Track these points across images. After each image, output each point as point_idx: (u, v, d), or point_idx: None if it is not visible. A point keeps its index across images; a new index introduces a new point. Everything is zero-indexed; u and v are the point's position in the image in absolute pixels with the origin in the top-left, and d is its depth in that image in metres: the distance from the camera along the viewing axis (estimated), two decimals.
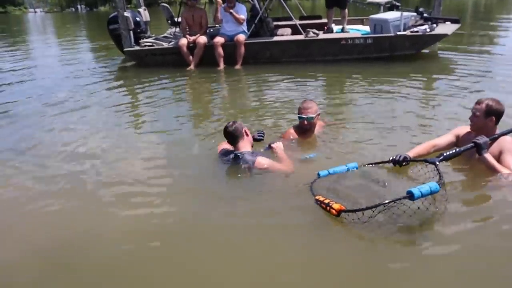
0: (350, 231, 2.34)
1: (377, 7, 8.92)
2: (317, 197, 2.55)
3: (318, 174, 2.85)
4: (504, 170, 2.70)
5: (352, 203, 2.44)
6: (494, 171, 2.72)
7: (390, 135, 3.75)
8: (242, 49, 7.33)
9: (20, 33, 22.06)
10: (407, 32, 7.04)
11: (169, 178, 3.23)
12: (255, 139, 3.45)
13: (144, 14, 8.61)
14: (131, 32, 7.76)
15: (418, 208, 2.30)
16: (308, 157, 3.21)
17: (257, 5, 8.09)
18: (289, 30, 8.03)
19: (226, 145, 3.30)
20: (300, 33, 7.50)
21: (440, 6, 8.13)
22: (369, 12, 9.07)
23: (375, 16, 7.51)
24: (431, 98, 5.14)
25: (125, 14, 7.62)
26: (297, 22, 8.03)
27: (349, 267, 2.14)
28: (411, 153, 2.93)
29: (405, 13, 7.32)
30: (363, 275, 2.08)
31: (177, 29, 8.60)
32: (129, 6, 8.06)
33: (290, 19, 8.26)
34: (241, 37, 7.33)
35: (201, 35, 7.52)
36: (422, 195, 2.23)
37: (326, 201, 2.45)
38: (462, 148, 2.80)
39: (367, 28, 7.79)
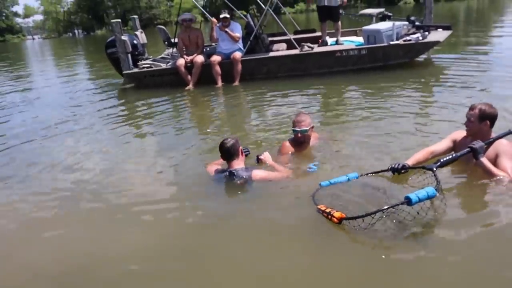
0: (353, 238, 2.40)
1: (369, 18, 9.08)
2: (319, 207, 2.62)
3: (320, 185, 2.92)
4: (501, 173, 2.75)
5: (354, 211, 2.49)
6: (490, 175, 2.77)
7: (387, 144, 3.80)
8: (239, 66, 7.45)
9: (19, 60, 22.34)
10: (400, 41, 7.15)
11: (170, 197, 3.27)
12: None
13: (141, 36, 8.77)
14: (129, 55, 7.91)
15: (418, 213, 2.36)
16: (312, 167, 3.25)
17: (252, 22, 8.24)
18: (284, 45, 8.16)
19: (215, 166, 3.35)
20: (295, 48, 7.62)
21: (431, 13, 8.28)
22: (361, 23, 9.23)
23: (368, 27, 7.64)
24: (426, 105, 5.21)
25: (123, 37, 7.78)
26: (292, 36, 8.17)
27: (352, 273, 2.18)
28: (410, 161, 2.99)
29: (397, 23, 7.45)
30: (366, 280, 2.12)
31: (174, 50, 8.74)
32: (125, 28, 8.21)
33: (284, 34, 8.40)
34: (238, 55, 7.46)
35: (198, 54, 7.65)
36: (420, 200, 2.29)
37: (328, 210, 2.52)
38: (458, 154, 2.86)
39: (360, 39, 7.91)
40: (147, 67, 7.95)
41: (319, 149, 3.71)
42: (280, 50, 8.06)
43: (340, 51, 7.39)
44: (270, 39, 8.43)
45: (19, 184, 3.81)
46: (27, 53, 29.36)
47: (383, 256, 2.26)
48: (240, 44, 7.66)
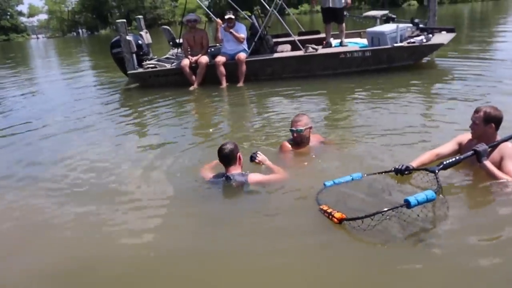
0: (354, 239, 2.42)
1: (373, 20, 9.10)
2: (321, 207, 2.66)
3: (324, 185, 2.95)
4: (504, 177, 2.76)
5: (357, 211, 2.52)
6: (494, 178, 2.79)
7: (391, 145, 3.82)
8: (244, 67, 7.49)
9: (24, 59, 22.47)
10: (404, 44, 7.17)
11: (171, 199, 3.26)
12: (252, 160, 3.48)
13: (146, 37, 8.82)
14: (134, 55, 7.95)
15: (418, 215, 2.39)
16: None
17: (256, 23, 8.28)
18: (288, 47, 8.19)
19: (209, 170, 3.38)
20: (300, 49, 7.65)
21: (435, 16, 8.30)
22: (366, 25, 9.25)
23: (372, 29, 7.66)
24: (431, 107, 5.23)
25: (128, 38, 7.82)
26: (296, 38, 8.19)
27: (352, 274, 2.21)
28: (415, 163, 3.01)
29: (401, 25, 7.47)
30: (365, 280, 2.15)
31: (179, 50, 8.79)
32: (129, 28, 8.26)
33: (289, 35, 8.44)
34: (242, 56, 7.49)
35: (202, 55, 7.69)
36: (419, 203, 2.33)
37: (329, 211, 2.56)
38: (462, 156, 2.88)
39: (365, 41, 7.94)
40: (152, 67, 8.00)
41: (318, 149, 3.74)
42: (284, 51, 8.09)
43: (344, 52, 7.42)
44: (274, 40, 8.45)
45: (19, 183, 3.84)
46: (31, 52, 29.50)
47: (383, 257, 2.29)
48: (244, 45, 7.70)
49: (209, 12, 8.64)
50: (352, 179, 2.99)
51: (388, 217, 2.38)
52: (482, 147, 2.83)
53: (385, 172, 3.03)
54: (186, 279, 2.31)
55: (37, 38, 64.15)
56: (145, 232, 2.82)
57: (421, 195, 2.33)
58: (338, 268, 2.28)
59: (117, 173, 3.85)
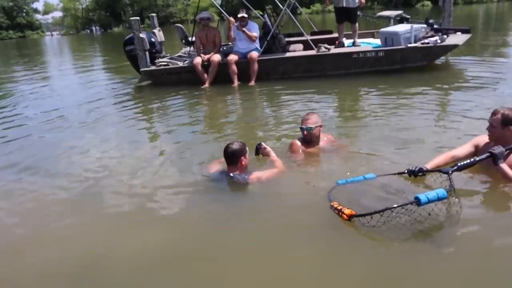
0: (365, 237, 2.42)
1: (387, 20, 9.01)
2: (332, 203, 2.66)
3: (337, 183, 2.96)
4: None
5: (368, 210, 2.51)
6: (510, 181, 2.75)
7: (405, 147, 3.79)
8: (256, 66, 7.48)
9: (39, 55, 22.76)
10: (418, 44, 7.09)
11: (179, 197, 3.26)
12: (257, 153, 3.51)
13: (159, 34, 8.86)
14: (147, 52, 7.99)
15: (429, 214, 2.37)
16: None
17: (269, 22, 8.26)
18: (301, 46, 8.16)
19: (217, 165, 3.39)
20: (312, 48, 7.61)
21: (450, 17, 8.19)
22: (379, 25, 9.17)
23: (385, 29, 7.59)
24: (446, 108, 5.17)
25: (141, 35, 7.86)
26: (309, 37, 8.16)
27: (361, 270, 2.21)
28: (430, 164, 2.97)
29: (415, 25, 7.39)
30: (374, 278, 2.14)
31: (191, 48, 8.81)
32: (142, 26, 8.31)
33: (301, 34, 8.40)
34: (254, 54, 7.49)
35: (215, 53, 7.71)
36: (429, 201, 2.30)
37: (339, 207, 2.57)
38: (477, 158, 2.83)
39: (378, 41, 7.87)
40: (164, 65, 8.04)
41: (329, 148, 3.73)
42: (296, 50, 8.06)
43: (357, 52, 7.37)
44: (286, 39, 8.42)
45: (29, 177, 3.87)
46: (46, 49, 29.89)
47: (392, 255, 2.29)
48: (257, 44, 7.69)
49: (222, 10, 8.64)
50: (365, 179, 2.98)
51: (398, 215, 2.37)
52: (498, 149, 2.79)
53: (398, 173, 3.00)
54: (196, 276, 2.32)
55: (52, 35, 65.05)
56: (152, 229, 2.83)
57: (432, 193, 2.31)
58: (346, 264, 2.28)
59: (126, 169, 3.85)
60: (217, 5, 10.19)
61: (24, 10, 62.63)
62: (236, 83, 7.50)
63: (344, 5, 7.55)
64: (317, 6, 47.94)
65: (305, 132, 3.57)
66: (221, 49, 8.03)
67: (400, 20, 8.45)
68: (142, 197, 3.27)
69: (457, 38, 7.40)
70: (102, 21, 61.50)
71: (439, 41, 7.10)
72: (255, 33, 7.59)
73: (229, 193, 3.18)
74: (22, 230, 3.01)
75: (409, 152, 3.62)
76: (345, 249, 2.40)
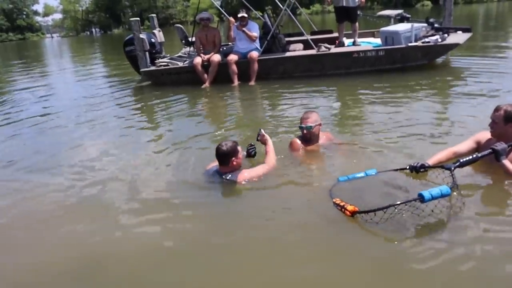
0: (368, 233, 2.42)
1: (387, 20, 9.00)
2: (334, 200, 2.66)
3: (338, 179, 2.95)
4: None
5: (370, 206, 2.50)
6: None
7: (406, 143, 3.78)
8: (256, 66, 7.47)
9: (39, 57, 22.77)
10: (419, 43, 7.08)
11: (179, 195, 3.23)
12: (248, 155, 3.48)
13: (159, 35, 8.85)
14: (147, 53, 7.98)
15: (432, 211, 2.37)
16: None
17: (269, 22, 8.25)
18: (301, 46, 8.15)
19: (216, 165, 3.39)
20: (312, 48, 7.60)
21: (451, 16, 8.17)
22: (379, 24, 9.16)
23: (386, 29, 7.58)
24: (447, 106, 5.16)
25: (141, 36, 7.85)
26: (309, 37, 8.15)
27: (364, 267, 2.20)
28: (432, 160, 2.97)
29: (416, 24, 7.38)
30: (377, 275, 2.13)
31: (191, 49, 8.81)
32: (142, 27, 8.31)
33: (301, 34, 8.39)
34: (254, 54, 7.47)
35: (215, 53, 7.70)
36: (433, 198, 2.31)
37: (342, 204, 2.57)
38: (479, 155, 2.83)
39: (378, 41, 7.86)
40: (164, 65, 8.03)
41: (329, 147, 3.72)
42: (296, 50, 8.05)
43: (358, 52, 7.36)
44: (286, 39, 8.41)
45: (26, 176, 3.88)
46: (46, 51, 29.90)
47: (395, 252, 2.28)
48: (257, 44, 7.68)
49: (222, 10, 8.64)
50: (366, 175, 2.98)
51: (401, 212, 2.36)
52: (501, 146, 2.78)
53: (400, 169, 3.00)
54: (195, 275, 2.30)
55: (52, 37, 65.14)
56: (151, 229, 2.82)
57: (436, 190, 2.31)
58: (350, 260, 2.26)
59: (125, 169, 3.83)
60: (217, 6, 10.20)
61: (24, 12, 62.73)
62: (236, 82, 7.49)
63: (344, 4, 7.54)
64: (317, 7, 47.98)
65: (305, 131, 3.57)
66: (221, 49, 8.03)
67: (401, 19, 8.44)
68: (140, 197, 3.26)
69: (458, 37, 7.39)
70: (102, 23, 61.57)
71: (439, 40, 7.08)
72: (255, 33, 7.58)
73: (230, 193, 3.16)
74: (20, 230, 2.99)
75: (410, 149, 3.61)
76: (348, 246, 2.39)
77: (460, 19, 18.44)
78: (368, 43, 8.00)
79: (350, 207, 2.50)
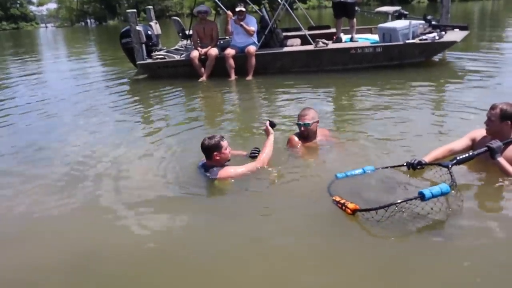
0: (367, 230, 2.42)
1: (385, 16, 9.01)
2: (334, 197, 2.67)
3: (336, 176, 2.96)
4: None
5: (369, 204, 2.52)
6: (507, 174, 2.78)
7: (403, 140, 3.80)
8: (253, 60, 7.45)
9: (33, 47, 22.54)
10: (416, 40, 7.11)
11: (174, 191, 3.20)
12: (251, 156, 3.46)
13: (156, 27, 8.80)
14: (143, 45, 7.94)
15: (432, 209, 2.40)
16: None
17: (267, 17, 8.23)
18: (298, 41, 8.14)
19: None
20: (310, 43, 7.60)
21: (448, 13, 8.20)
22: (376, 21, 9.16)
23: (384, 25, 7.58)
24: (443, 103, 5.19)
25: (137, 28, 7.80)
26: (306, 32, 8.14)
27: (365, 264, 2.21)
28: (427, 158, 2.99)
29: (414, 22, 7.39)
30: (378, 273, 2.14)
31: (188, 42, 8.77)
32: (138, 19, 8.26)
33: (299, 29, 8.38)
34: (252, 49, 7.45)
35: (212, 47, 7.67)
36: (433, 196, 2.33)
37: (342, 201, 2.58)
38: (475, 152, 2.85)
39: (375, 37, 7.87)
40: (161, 58, 7.99)
41: (326, 144, 3.73)
42: (294, 45, 8.04)
43: (355, 48, 7.36)
44: (284, 34, 8.40)
45: (18, 168, 3.85)
46: (40, 41, 29.59)
47: (395, 250, 2.29)
48: (254, 38, 7.66)
49: (219, 4, 8.57)
50: (364, 172, 2.99)
51: (402, 210, 2.38)
52: (496, 143, 2.81)
53: (397, 166, 3.02)
54: (191, 271, 2.30)
55: (46, 27, 64.49)
56: (147, 224, 2.79)
57: (436, 188, 2.34)
58: (350, 259, 2.27)
59: (121, 163, 3.80)
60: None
61: (18, 2, 62.02)
62: (233, 77, 7.48)
63: None
64: (313, 1, 47.92)
65: (302, 128, 3.57)
66: (218, 43, 7.99)
67: (398, 16, 8.44)
68: (136, 192, 3.22)
69: (455, 35, 7.41)
70: (97, 14, 61.01)
71: (437, 37, 7.10)
72: (253, 27, 7.55)
73: (229, 192, 3.14)
74: (13, 225, 2.96)
75: (406, 145, 3.63)
76: (348, 244, 2.39)
77: (456, 16, 18.49)
78: (366, 39, 8.01)
79: (351, 205, 2.50)
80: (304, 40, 7.85)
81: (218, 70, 7.54)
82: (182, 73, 7.83)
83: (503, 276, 2.07)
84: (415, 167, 2.90)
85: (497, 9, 26.95)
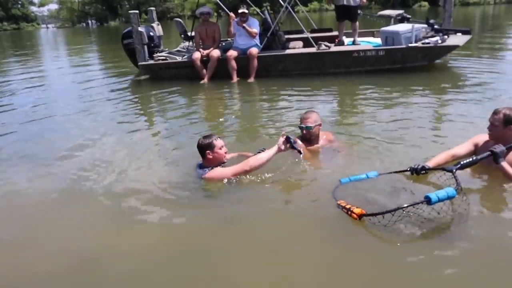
0: (373, 235, 2.41)
1: (387, 20, 9.02)
2: (339, 202, 2.65)
3: (340, 181, 2.94)
4: None
5: (373, 209, 2.50)
6: (511, 179, 2.77)
7: (405, 145, 3.78)
8: (255, 62, 7.45)
9: (34, 47, 22.54)
10: (419, 44, 7.11)
11: (176, 194, 3.16)
12: None
13: (158, 29, 8.80)
14: (145, 46, 7.93)
15: (438, 213, 2.38)
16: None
17: (269, 19, 8.23)
18: (300, 43, 8.14)
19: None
20: (312, 46, 7.59)
21: (451, 17, 8.20)
22: (379, 24, 9.17)
23: (386, 29, 7.59)
24: (446, 108, 5.18)
25: (140, 29, 7.80)
26: (309, 35, 8.14)
27: (371, 269, 2.19)
28: (431, 163, 2.98)
29: (416, 25, 7.40)
30: (384, 278, 2.13)
31: (190, 43, 8.76)
32: (140, 20, 8.25)
33: (301, 32, 8.38)
34: (254, 51, 7.45)
35: (214, 49, 7.66)
36: (439, 200, 2.32)
37: (348, 206, 2.56)
38: (479, 157, 2.84)
39: (378, 41, 7.87)
40: (163, 59, 7.98)
41: (329, 147, 3.71)
42: (296, 47, 8.04)
43: (358, 51, 7.36)
44: (286, 36, 8.40)
45: (22, 174, 3.78)
46: (41, 42, 29.60)
47: (402, 255, 2.27)
48: (257, 40, 7.65)
49: (222, 5, 8.57)
50: (368, 177, 2.97)
51: (408, 214, 2.37)
52: (499, 148, 2.80)
53: (401, 171, 3.00)
54: (192, 274, 2.27)
55: (47, 27, 64.59)
56: (146, 226, 2.77)
57: (442, 192, 2.32)
58: (356, 263, 2.25)
59: (121, 164, 3.77)
60: (218, 1, 10.13)
61: (20, 2, 62.11)
62: (235, 79, 7.47)
63: (345, 3, 7.54)
64: (315, 4, 48.00)
65: (305, 131, 3.54)
66: (220, 44, 7.99)
67: (401, 19, 8.46)
68: (136, 194, 3.19)
69: (458, 39, 7.42)
70: (98, 15, 61.07)
71: (440, 41, 7.11)
72: (255, 29, 7.55)
73: (230, 192, 3.10)
74: (10, 229, 2.92)
75: (410, 150, 3.62)
76: (354, 248, 2.37)
77: (457, 20, 18.51)
78: (368, 42, 8.01)
79: (357, 210, 2.48)
80: (306, 43, 7.85)
81: (220, 72, 7.53)
82: (183, 74, 7.82)
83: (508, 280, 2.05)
84: (418, 172, 2.89)
85: (498, 14, 27.00)
